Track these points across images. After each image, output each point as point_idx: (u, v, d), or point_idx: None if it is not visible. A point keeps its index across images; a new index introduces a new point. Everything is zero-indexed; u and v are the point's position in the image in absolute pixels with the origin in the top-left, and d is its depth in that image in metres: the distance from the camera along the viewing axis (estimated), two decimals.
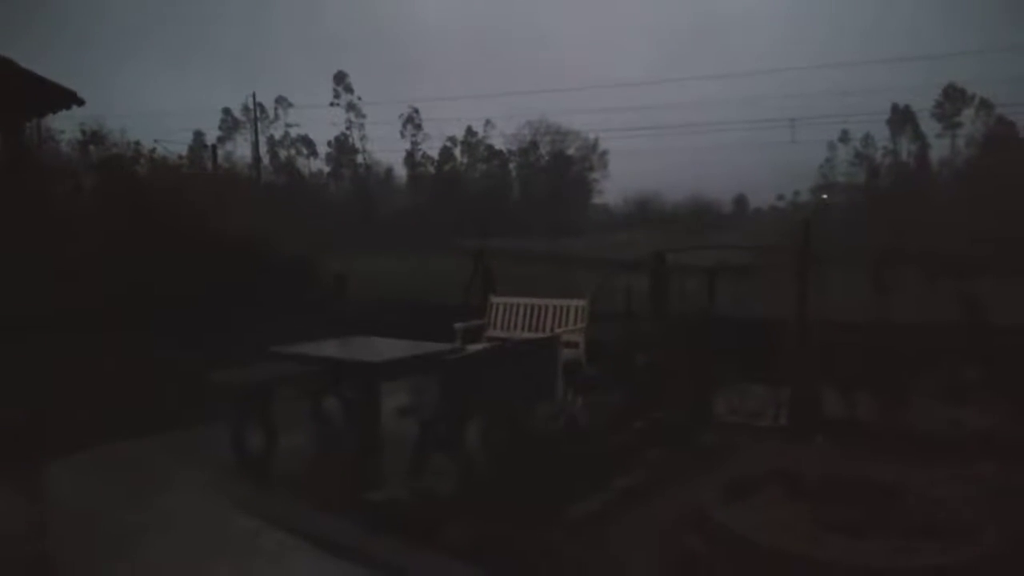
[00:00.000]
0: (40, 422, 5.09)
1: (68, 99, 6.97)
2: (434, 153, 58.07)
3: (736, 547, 3.33)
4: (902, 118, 51.43)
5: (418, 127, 57.75)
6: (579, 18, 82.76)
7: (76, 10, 63.64)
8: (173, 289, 7.46)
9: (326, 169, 58.36)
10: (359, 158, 57.83)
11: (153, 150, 10.47)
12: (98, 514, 4.22)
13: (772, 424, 5.76)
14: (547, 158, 57.15)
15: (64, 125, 10.21)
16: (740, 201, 55.35)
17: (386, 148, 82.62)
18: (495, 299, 7.91)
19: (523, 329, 7.47)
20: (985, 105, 49.01)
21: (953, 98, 50.56)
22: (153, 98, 70.36)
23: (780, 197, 53.29)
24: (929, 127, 51.23)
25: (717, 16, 77.59)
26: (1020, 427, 4.89)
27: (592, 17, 75.39)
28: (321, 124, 72.11)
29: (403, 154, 57.84)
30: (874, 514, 3.49)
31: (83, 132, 10.02)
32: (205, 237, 8.57)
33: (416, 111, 57.20)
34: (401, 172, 58.18)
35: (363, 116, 57.00)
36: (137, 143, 10.36)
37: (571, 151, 57.05)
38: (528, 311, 7.57)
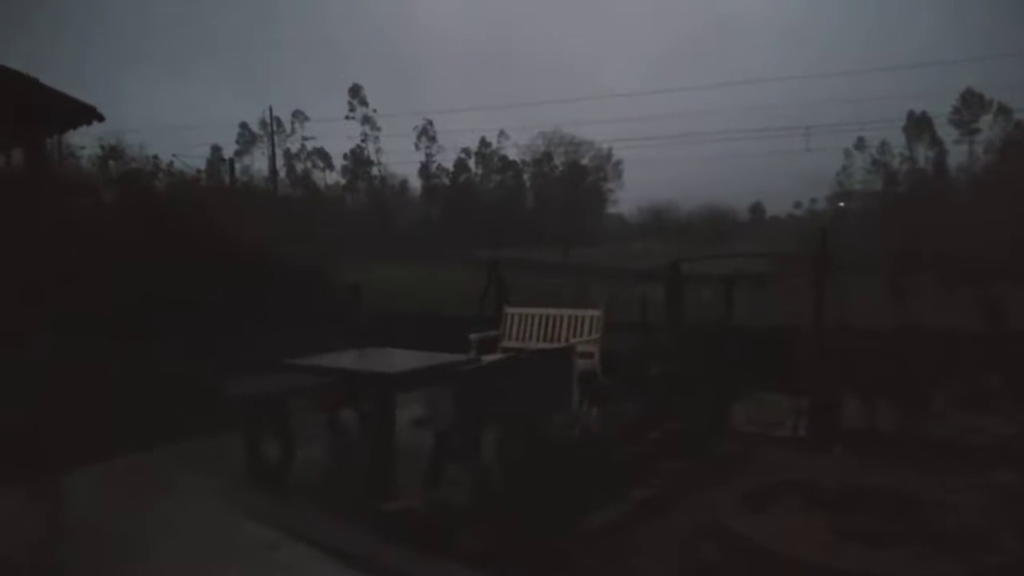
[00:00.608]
0: (52, 424, 5.13)
1: (88, 115, 7.06)
2: (449, 164, 58.51)
3: (754, 556, 3.31)
4: (918, 125, 51.07)
5: (432, 139, 58.17)
6: (591, 27, 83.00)
7: (75, 15, 64.17)
8: (190, 298, 7.54)
9: (342, 181, 58.86)
10: (374, 170, 58.25)
11: (171, 164, 10.64)
12: (105, 523, 4.24)
13: (791, 434, 5.71)
14: (561, 168, 57.27)
15: (84, 140, 10.41)
16: (756, 209, 55.22)
17: (401, 160, 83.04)
18: (509, 310, 7.91)
19: (538, 339, 7.46)
20: (1003, 110, 48.65)
21: (971, 104, 50.15)
22: (164, 109, 70.94)
23: (797, 205, 53.24)
24: (946, 133, 50.89)
25: (730, 23, 77.67)
26: None
27: (604, 26, 75.65)
28: (337, 137, 72.65)
29: (418, 166, 58.32)
30: (892, 523, 3.45)
31: (102, 147, 10.19)
32: (222, 248, 8.64)
33: (430, 123, 57.64)
34: (416, 184, 58.62)
35: (378, 129, 57.43)
36: (155, 157, 10.54)
37: (585, 161, 57.23)
38: (543, 321, 7.56)
